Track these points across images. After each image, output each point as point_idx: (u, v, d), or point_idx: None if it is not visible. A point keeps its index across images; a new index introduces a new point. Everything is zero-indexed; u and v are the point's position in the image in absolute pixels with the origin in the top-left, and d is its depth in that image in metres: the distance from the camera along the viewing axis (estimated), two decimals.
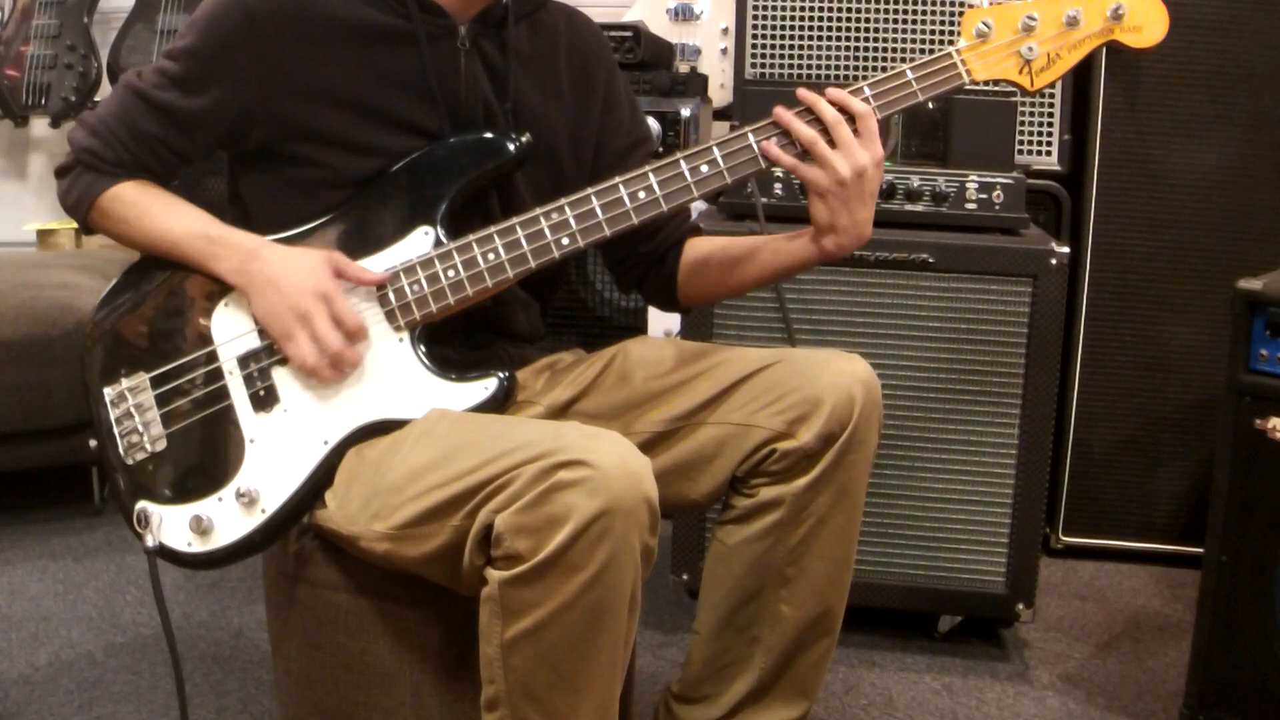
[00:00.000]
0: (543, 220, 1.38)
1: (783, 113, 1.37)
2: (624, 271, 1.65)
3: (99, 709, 1.87)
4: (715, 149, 1.38)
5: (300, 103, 1.41)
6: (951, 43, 1.42)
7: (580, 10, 1.62)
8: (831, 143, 1.36)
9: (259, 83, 1.40)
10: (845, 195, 1.36)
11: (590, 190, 1.38)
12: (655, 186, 1.38)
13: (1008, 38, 1.39)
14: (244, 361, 1.40)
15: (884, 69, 2.26)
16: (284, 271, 1.36)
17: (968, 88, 1.42)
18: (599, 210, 1.38)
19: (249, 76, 1.40)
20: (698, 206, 2.20)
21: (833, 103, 1.36)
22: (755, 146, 1.38)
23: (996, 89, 2.21)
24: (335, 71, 1.41)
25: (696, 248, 1.60)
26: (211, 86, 1.41)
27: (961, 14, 2.20)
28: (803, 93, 1.37)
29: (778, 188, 2.05)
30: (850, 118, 1.36)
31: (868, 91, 1.37)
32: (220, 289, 1.42)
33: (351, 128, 1.42)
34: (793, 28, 2.32)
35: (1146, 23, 1.39)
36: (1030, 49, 1.39)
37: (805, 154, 1.37)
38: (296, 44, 1.40)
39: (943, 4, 2.27)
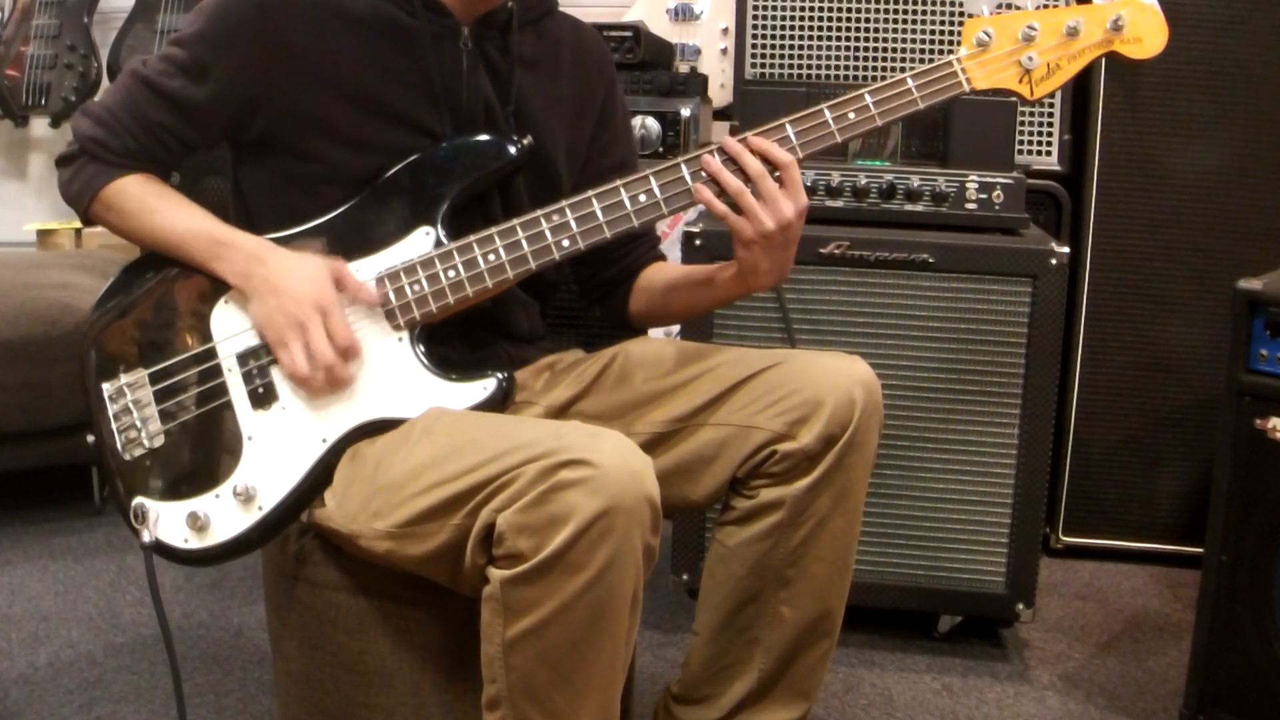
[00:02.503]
0: (543, 221, 1.38)
1: (712, 161, 1.36)
2: (585, 291, 1.69)
3: (99, 709, 1.87)
4: (717, 153, 1.38)
5: (305, 92, 1.41)
6: (951, 44, 1.42)
7: (586, 23, 1.63)
8: (757, 194, 1.35)
9: (265, 70, 1.40)
10: (769, 245, 1.37)
11: (591, 193, 1.38)
12: (656, 190, 1.38)
13: (1008, 47, 1.39)
14: (243, 359, 1.40)
15: (884, 69, 2.28)
16: (286, 279, 1.36)
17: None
18: (599, 212, 1.38)
19: (256, 63, 1.40)
20: (697, 207, 2.20)
21: (756, 152, 1.35)
22: (689, 179, 1.37)
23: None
24: (340, 62, 1.42)
25: (647, 274, 1.63)
26: (218, 73, 1.41)
27: (960, 14, 2.20)
28: (728, 141, 1.37)
29: None
30: (774, 167, 1.35)
31: (791, 136, 1.36)
32: (220, 287, 1.41)
33: (353, 121, 1.42)
34: (793, 28, 2.32)
35: (1146, 34, 1.39)
36: (1030, 58, 1.39)
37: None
38: (305, 33, 1.41)
39: (942, 5, 2.27)
